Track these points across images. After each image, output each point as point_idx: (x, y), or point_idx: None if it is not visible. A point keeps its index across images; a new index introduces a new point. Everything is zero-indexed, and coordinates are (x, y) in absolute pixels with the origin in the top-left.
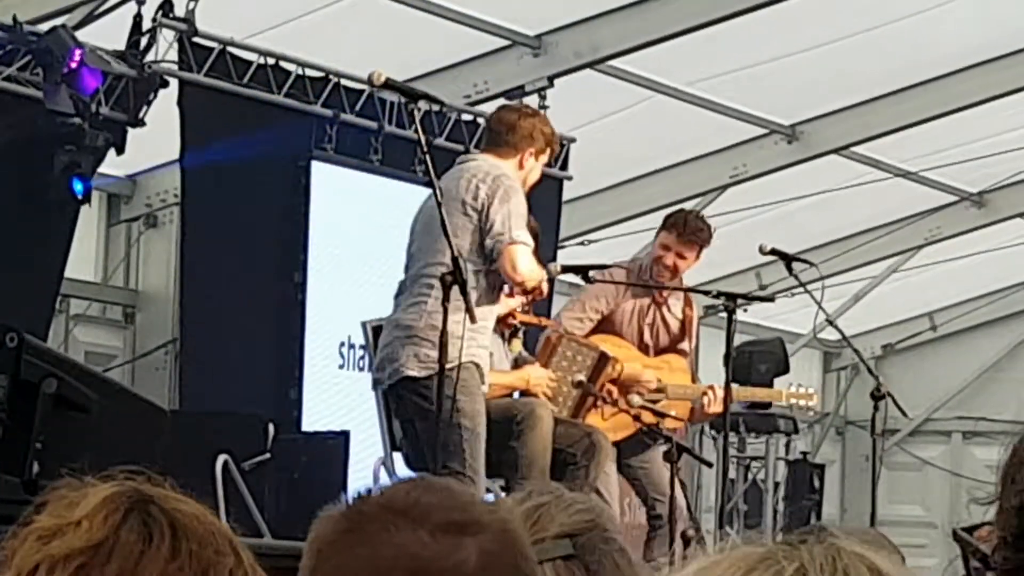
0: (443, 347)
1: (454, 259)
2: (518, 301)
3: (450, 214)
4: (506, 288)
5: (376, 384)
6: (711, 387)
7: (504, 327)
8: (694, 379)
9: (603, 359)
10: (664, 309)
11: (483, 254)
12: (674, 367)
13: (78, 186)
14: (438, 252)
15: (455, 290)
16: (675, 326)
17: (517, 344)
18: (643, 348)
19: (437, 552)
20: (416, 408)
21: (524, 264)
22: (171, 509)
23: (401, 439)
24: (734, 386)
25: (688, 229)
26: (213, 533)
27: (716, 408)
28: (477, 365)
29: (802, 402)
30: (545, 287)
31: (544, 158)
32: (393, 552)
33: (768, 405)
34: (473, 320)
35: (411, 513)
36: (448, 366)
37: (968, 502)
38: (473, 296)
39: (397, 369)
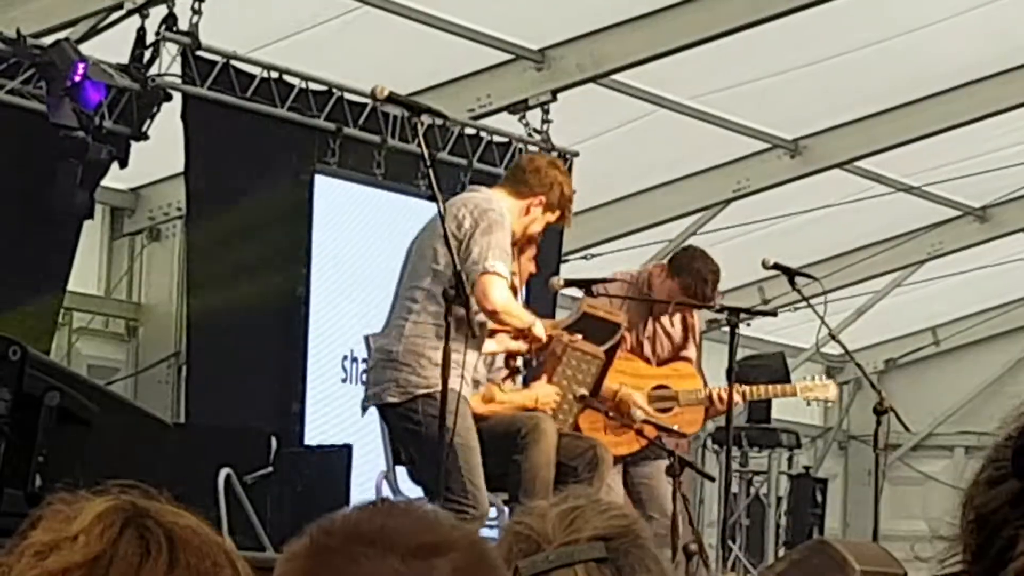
0: (446, 359)
1: (456, 272)
2: (518, 345)
3: (441, 244)
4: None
5: (363, 404)
6: (717, 391)
7: (505, 367)
8: (704, 383)
9: (607, 366)
10: (663, 319)
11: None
12: (683, 374)
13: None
14: (422, 276)
15: (450, 318)
16: (676, 334)
17: (510, 385)
18: (645, 360)
19: None
20: (405, 432)
21: (497, 294)
22: (167, 522)
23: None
24: (746, 387)
25: (699, 295)
26: (210, 545)
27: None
28: (459, 394)
29: (818, 393)
30: (542, 334)
31: (551, 216)
32: None
33: (768, 419)
34: (474, 335)
35: (378, 541)
36: (430, 391)
37: (931, 538)
38: (454, 325)
39: (377, 394)
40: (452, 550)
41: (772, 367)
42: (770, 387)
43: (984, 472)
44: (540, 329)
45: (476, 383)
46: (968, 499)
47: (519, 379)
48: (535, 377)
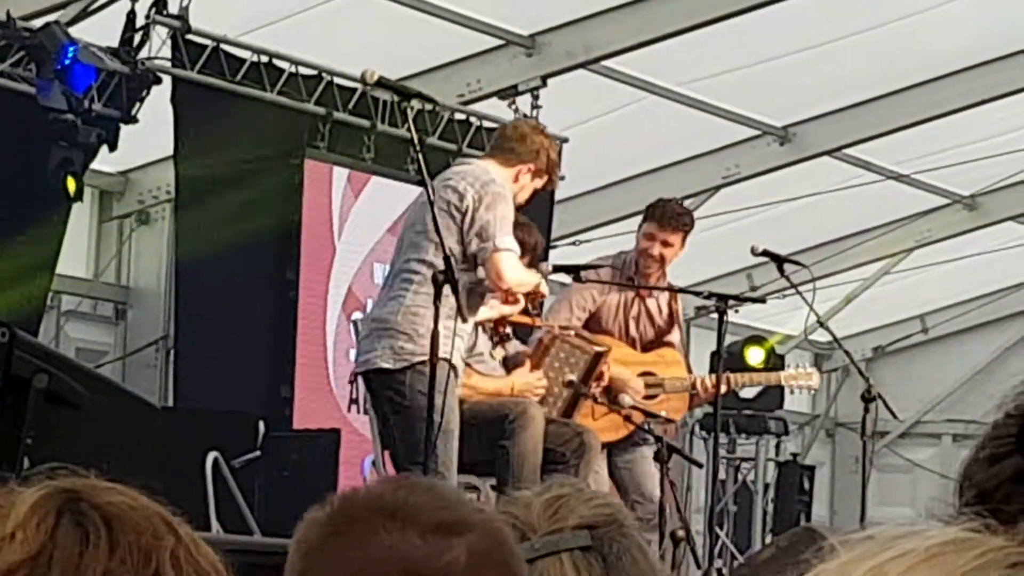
0: (434, 347)
1: (446, 257)
2: (512, 309)
3: (438, 215)
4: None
5: (354, 376)
6: (702, 379)
7: (496, 334)
8: (689, 369)
9: (597, 360)
10: (648, 301)
11: (466, 258)
12: (668, 360)
13: (71, 184)
14: (420, 248)
15: (444, 292)
16: (660, 318)
17: (500, 352)
18: (629, 341)
19: (427, 553)
20: (389, 402)
21: (510, 271)
22: (103, 502)
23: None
24: (732, 375)
25: (668, 214)
26: (148, 518)
27: (711, 391)
28: (452, 364)
29: (802, 381)
30: (544, 289)
31: (539, 182)
32: (383, 555)
33: (781, 403)
34: (464, 319)
35: (400, 514)
36: (423, 360)
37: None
38: (464, 300)
39: (370, 360)
40: (471, 531)
41: (733, 352)
42: (755, 375)
43: (984, 449)
44: (544, 286)
45: (472, 348)
46: (967, 477)
47: (510, 346)
48: (517, 364)
